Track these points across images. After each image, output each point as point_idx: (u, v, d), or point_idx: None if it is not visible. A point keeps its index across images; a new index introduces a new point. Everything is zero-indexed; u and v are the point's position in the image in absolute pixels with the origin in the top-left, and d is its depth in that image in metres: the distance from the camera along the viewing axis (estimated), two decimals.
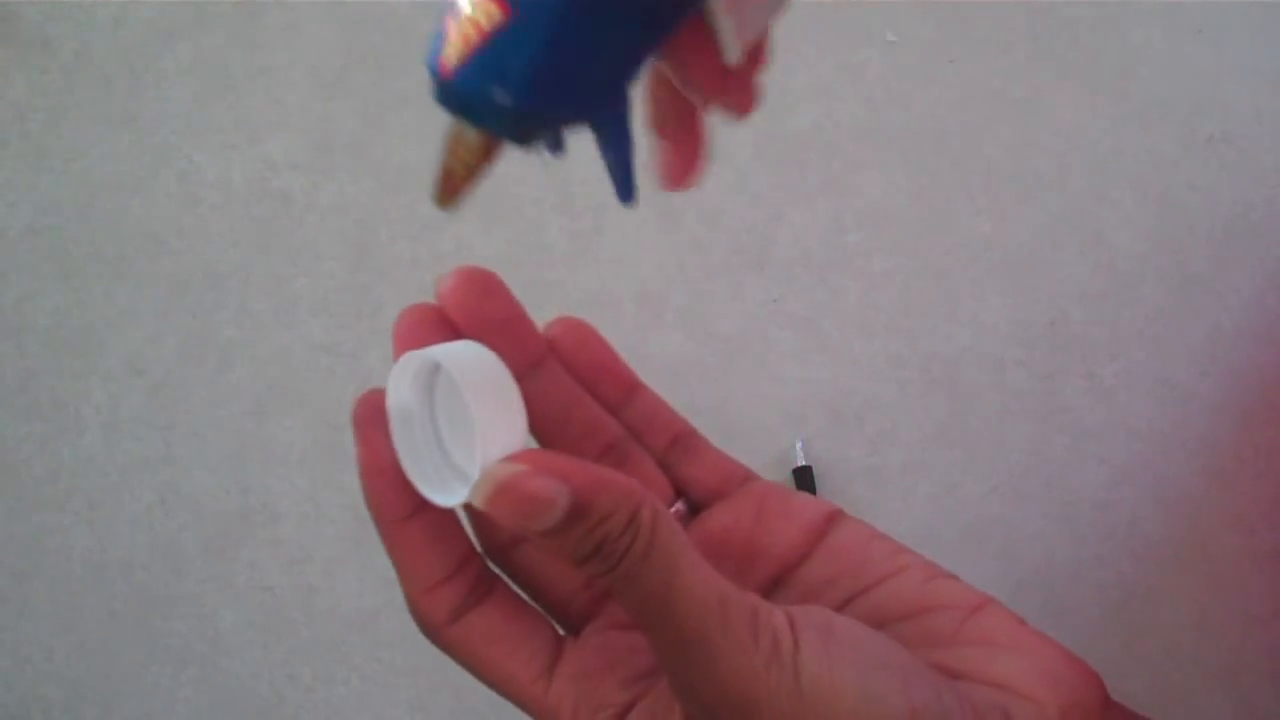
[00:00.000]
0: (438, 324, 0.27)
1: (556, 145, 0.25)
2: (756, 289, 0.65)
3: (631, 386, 0.32)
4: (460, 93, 0.22)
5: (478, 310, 0.28)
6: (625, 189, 0.25)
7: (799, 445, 0.62)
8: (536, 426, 0.29)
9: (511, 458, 0.24)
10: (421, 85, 0.76)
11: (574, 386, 0.30)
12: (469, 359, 0.25)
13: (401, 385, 0.27)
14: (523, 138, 0.23)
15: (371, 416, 0.27)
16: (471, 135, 0.23)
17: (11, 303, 0.66)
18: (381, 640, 0.62)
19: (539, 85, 0.22)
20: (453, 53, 0.22)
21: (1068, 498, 0.63)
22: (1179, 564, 0.62)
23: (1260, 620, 0.61)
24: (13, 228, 0.67)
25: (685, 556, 0.24)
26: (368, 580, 0.62)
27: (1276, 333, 0.65)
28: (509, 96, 0.22)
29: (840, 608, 0.29)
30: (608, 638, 0.28)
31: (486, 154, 0.24)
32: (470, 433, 0.25)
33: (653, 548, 0.24)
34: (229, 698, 0.62)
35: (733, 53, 0.26)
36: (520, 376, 0.29)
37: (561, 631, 0.29)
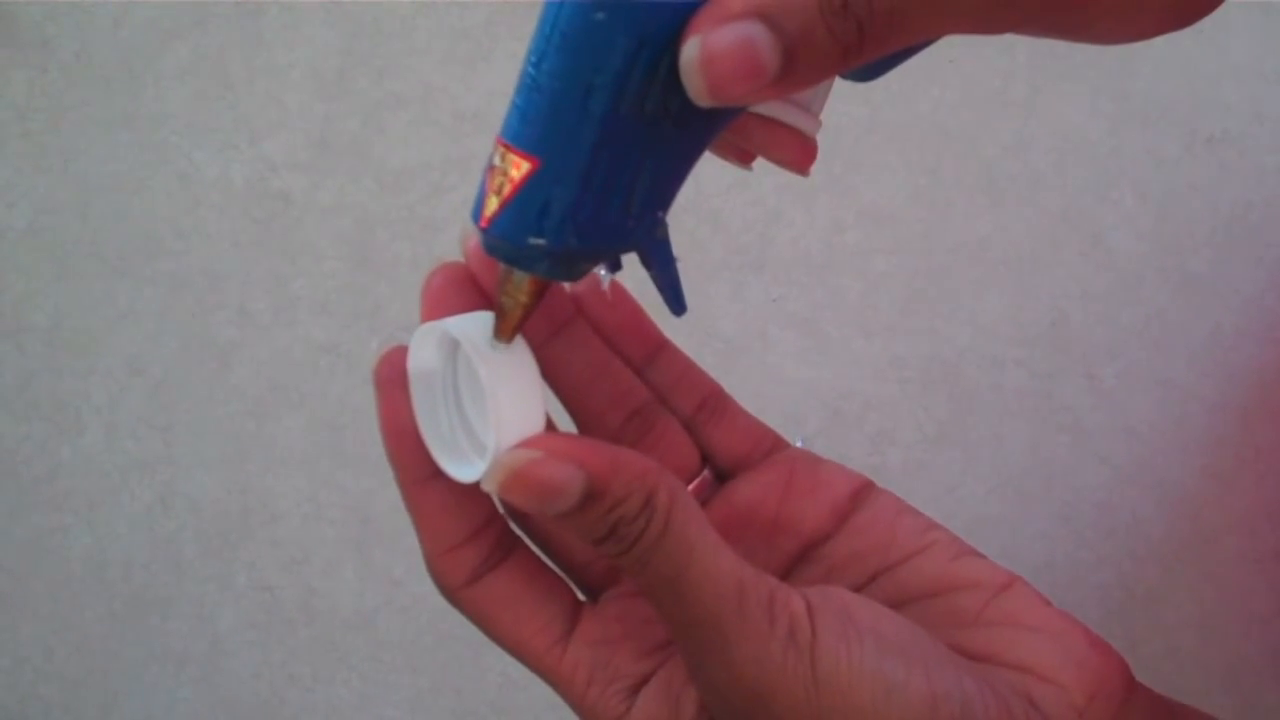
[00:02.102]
0: (466, 286, 0.27)
1: (612, 267, 0.25)
2: (756, 289, 0.65)
3: (659, 345, 0.31)
4: (500, 242, 0.23)
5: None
6: (676, 302, 0.26)
7: (799, 442, 0.62)
8: (562, 390, 0.29)
9: (526, 443, 0.24)
10: (421, 85, 0.76)
11: (601, 349, 0.30)
12: (488, 337, 0.25)
13: (424, 349, 0.26)
14: (567, 275, 0.24)
15: (393, 376, 0.26)
16: (520, 276, 0.24)
17: (11, 303, 0.66)
18: (381, 640, 0.62)
19: (573, 230, 0.22)
20: (490, 205, 0.23)
21: (1068, 498, 0.63)
22: (1180, 564, 0.62)
23: (1262, 620, 0.61)
24: (13, 228, 0.67)
25: (702, 540, 0.24)
26: (368, 580, 0.62)
27: (1276, 333, 0.65)
28: (544, 243, 0.22)
29: (865, 584, 0.29)
30: (626, 605, 0.28)
31: (536, 292, 0.24)
32: (485, 418, 0.25)
33: (668, 532, 0.23)
34: (229, 698, 0.62)
35: (812, 130, 0.27)
36: (547, 338, 0.28)
37: (581, 596, 0.28)
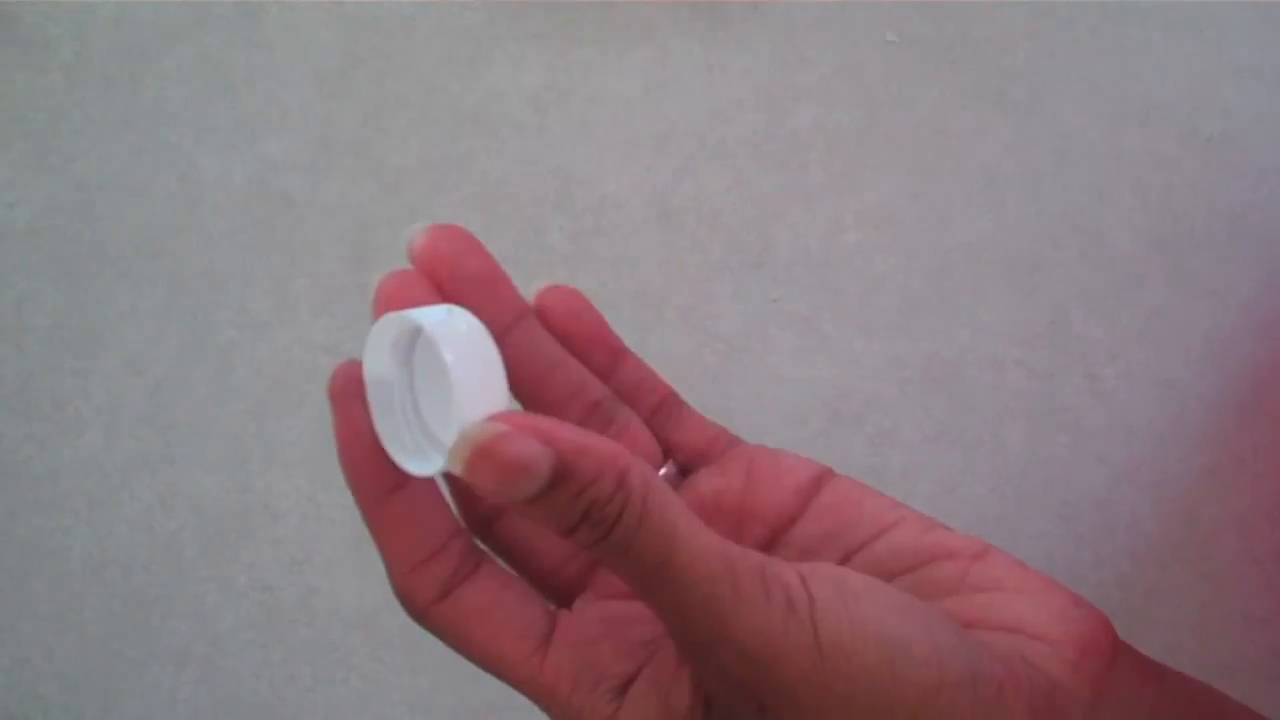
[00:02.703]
0: (420, 290, 0.27)
1: None
2: (756, 289, 0.65)
3: (618, 352, 0.31)
4: None
5: (453, 266, 0.27)
6: None
7: None
8: (517, 386, 0.29)
9: (491, 418, 0.23)
10: (421, 85, 0.76)
11: (555, 345, 0.29)
12: (448, 320, 0.25)
13: (379, 353, 0.26)
14: None
15: (349, 388, 0.26)
16: None
17: (11, 303, 0.66)
18: (381, 640, 0.62)
19: None
20: None
21: (1068, 497, 0.63)
22: (1179, 563, 0.62)
23: (1260, 620, 0.61)
24: (13, 228, 0.67)
25: (682, 519, 0.23)
26: (368, 580, 0.62)
27: (1276, 332, 0.65)
28: None
29: (841, 563, 0.29)
30: (603, 608, 0.28)
31: None
32: (448, 402, 0.25)
33: (646, 514, 0.23)
34: (229, 698, 0.62)
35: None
36: (500, 333, 0.28)
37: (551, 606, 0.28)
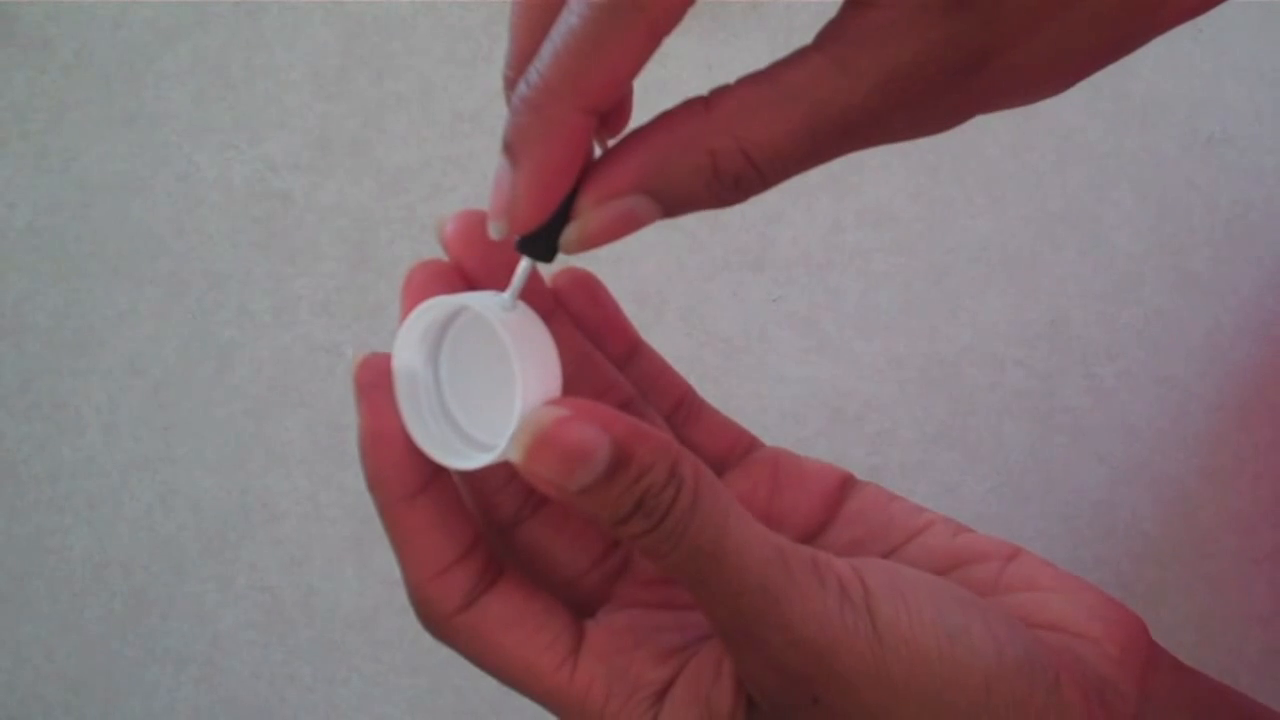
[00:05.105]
0: (453, 280, 0.26)
1: None
2: (756, 289, 0.65)
3: (635, 344, 0.31)
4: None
5: (484, 256, 0.26)
6: None
7: None
8: None
9: (549, 402, 0.23)
10: (421, 85, 0.76)
11: (584, 342, 0.29)
12: (500, 304, 0.24)
13: (409, 346, 0.25)
14: None
15: (376, 380, 0.25)
16: None
17: (11, 303, 0.66)
18: (381, 640, 0.62)
19: None
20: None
21: (1067, 497, 0.63)
22: (1178, 563, 0.62)
23: (1260, 620, 0.61)
24: (13, 228, 0.67)
25: (733, 508, 0.23)
26: (368, 580, 0.62)
27: (1276, 332, 0.65)
28: None
29: None
30: (631, 616, 0.27)
31: None
32: (479, 397, 0.24)
33: (699, 500, 0.22)
34: (229, 698, 0.62)
35: None
36: None
37: None
